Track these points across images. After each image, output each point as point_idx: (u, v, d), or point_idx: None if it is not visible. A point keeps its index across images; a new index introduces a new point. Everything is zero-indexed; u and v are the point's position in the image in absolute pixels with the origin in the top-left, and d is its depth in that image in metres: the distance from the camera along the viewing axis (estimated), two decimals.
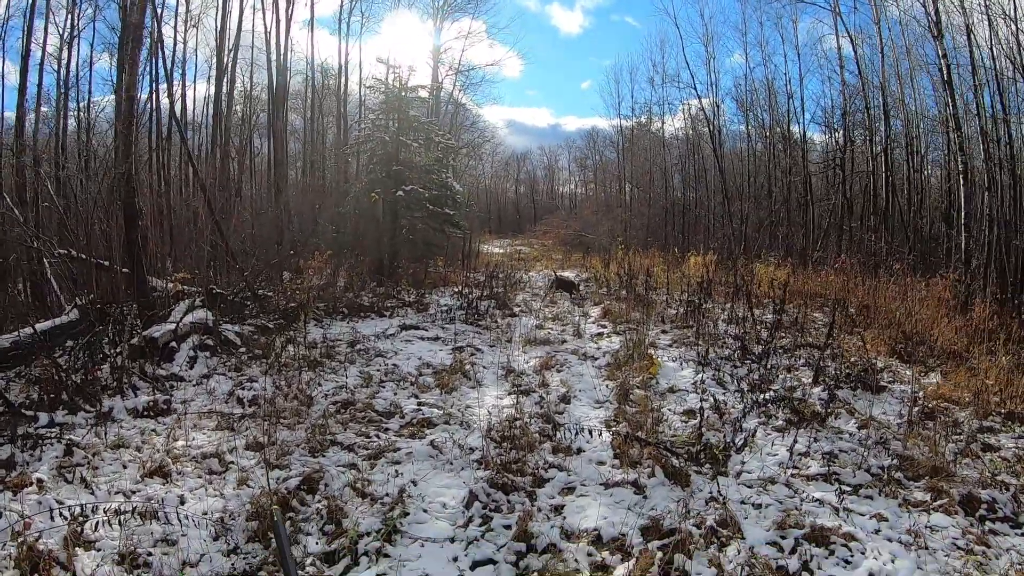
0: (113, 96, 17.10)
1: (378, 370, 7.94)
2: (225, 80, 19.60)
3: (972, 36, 13.39)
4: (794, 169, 23.79)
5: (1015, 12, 11.70)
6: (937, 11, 13.34)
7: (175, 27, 20.32)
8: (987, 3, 12.36)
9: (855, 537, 4.07)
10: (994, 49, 13.35)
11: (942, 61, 13.50)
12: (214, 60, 19.75)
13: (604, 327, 11.12)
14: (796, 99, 24.46)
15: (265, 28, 20.79)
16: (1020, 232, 12.06)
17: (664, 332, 10.53)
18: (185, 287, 10.00)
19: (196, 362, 7.99)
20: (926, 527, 4.24)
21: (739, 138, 28.55)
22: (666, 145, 33.10)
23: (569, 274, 20.97)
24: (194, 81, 25.18)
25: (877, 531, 4.23)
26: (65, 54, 17.80)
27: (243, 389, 7.04)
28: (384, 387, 7.30)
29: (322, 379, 7.49)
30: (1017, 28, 11.64)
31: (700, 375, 7.79)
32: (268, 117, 21.29)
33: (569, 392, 7.22)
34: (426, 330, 10.36)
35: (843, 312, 10.68)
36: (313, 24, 23.48)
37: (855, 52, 19.11)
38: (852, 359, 8.23)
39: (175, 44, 20.05)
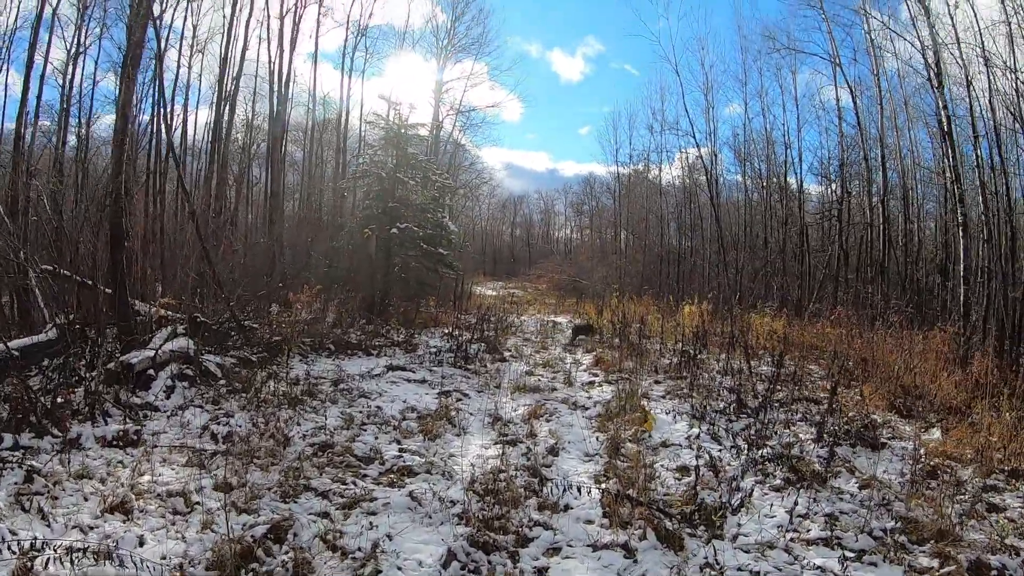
0: (114, 115, 17.06)
1: (360, 411, 7.65)
2: (225, 108, 19.58)
3: (971, 87, 13.43)
4: (790, 219, 23.83)
5: (1014, 63, 11.71)
6: (938, 62, 13.39)
7: (180, 51, 20.48)
8: (986, 55, 12.40)
9: None
10: (993, 100, 13.42)
11: (942, 113, 13.53)
12: (216, 86, 19.79)
13: (596, 376, 10.86)
14: (793, 149, 24.59)
15: (269, 58, 20.93)
16: (1019, 284, 11.91)
17: (657, 382, 10.27)
18: (169, 313, 9.74)
19: (173, 392, 7.71)
20: None
21: (735, 188, 28.85)
22: (663, 193, 33.29)
23: (562, 319, 20.81)
24: (196, 107, 25.09)
25: None
26: (70, 69, 17.88)
27: (218, 424, 6.74)
28: (366, 430, 7.01)
29: (302, 418, 7.19)
30: (1016, 79, 11.65)
31: (694, 429, 7.51)
32: (267, 147, 21.26)
33: (558, 444, 6.92)
34: (413, 372, 10.09)
35: (841, 366, 10.45)
36: (317, 57, 23.54)
37: (854, 103, 19.26)
38: (850, 414, 7.99)
39: (178, 68, 20.17)
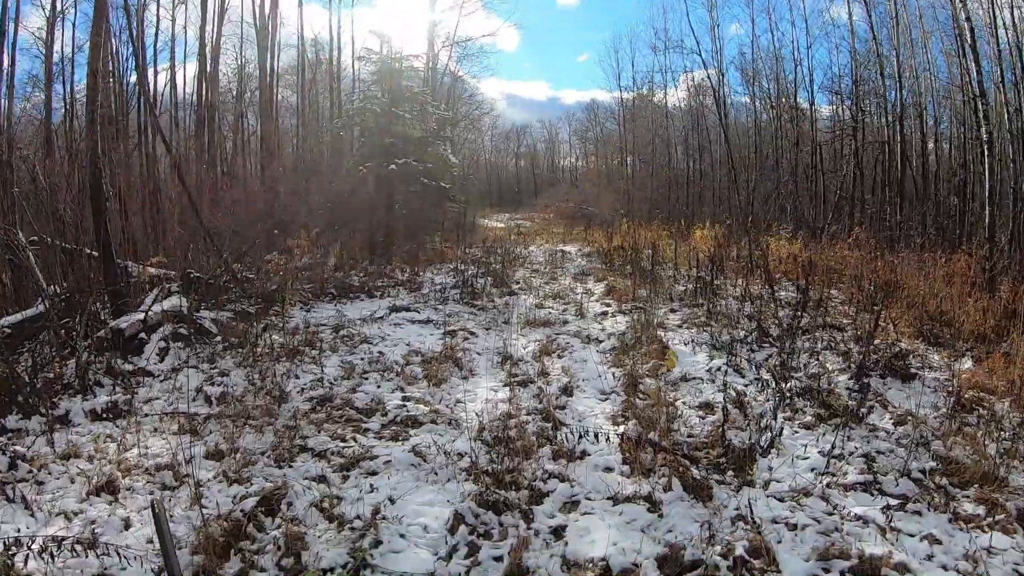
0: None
1: (362, 359, 7.26)
2: (209, 56, 18.75)
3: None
4: (801, 139, 22.97)
5: None
6: None
7: (159, 3, 19.56)
8: None
9: (908, 568, 3.41)
10: (1015, 13, 12.54)
11: (965, 24, 12.61)
12: (199, 35, 18.93)
13: (609, 306, 10.44)
14: (803, 67, 23.40)
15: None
16: None
17: (673, 311, 9.83)
18: (163, 271, 9.34)
19: (167, 354, 7.34)
20: (984, 550, 3.58)
21: (744, 109, 27.68)
22: (669, 116, 32.19)
23: (571, 248, 20.30)
24: (184, 60, 23.97)
25: (930, 557, 3.56)
26: (50, 37, 17.07)
27: (213, 384, 6.39)
28: (367, 379, 6.63)
29: (301, 370, 6.83)
30: None
31: (715, 361, 7.12)
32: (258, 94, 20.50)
33: (571, 382, 6.54)
34: (417, 312, 9.70)
35: (864, 290, 9.97)
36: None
37: (869, 16, 18.07)
38: (876, 342, 7.57)
39: (158, 22, 19.30)
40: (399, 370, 6.87)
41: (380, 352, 7.49)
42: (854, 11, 19.66)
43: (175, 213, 11.02)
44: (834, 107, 22.27)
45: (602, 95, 67.18)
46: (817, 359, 7.12)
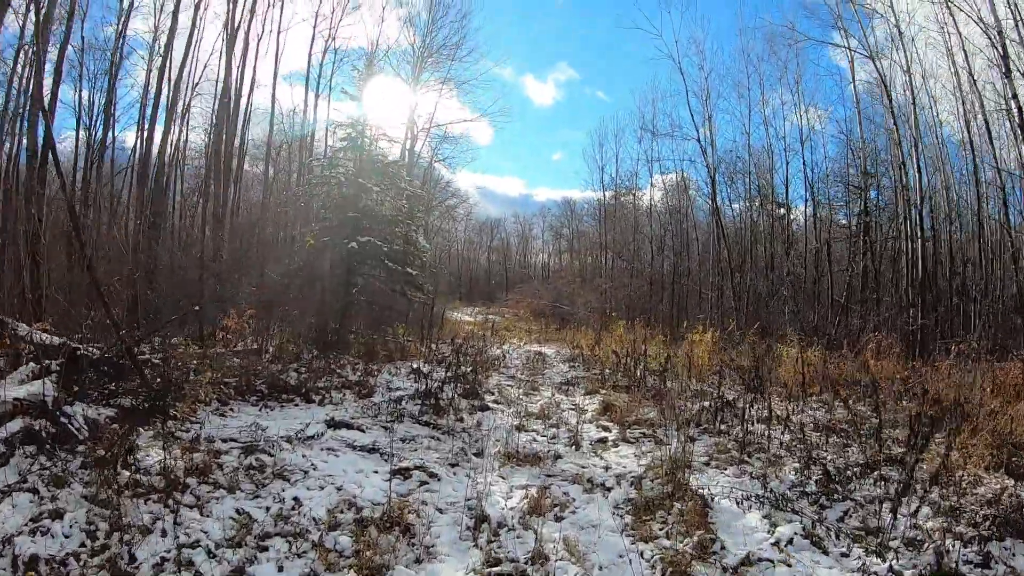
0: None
1: (268, 509, 4.87)
2: (151, 123, 17.00)
3: None
4: (795, 240, 21.66)
5: None
6: (1004, 45, 11.11)
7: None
8: None
9: None
10: None
11: (1012, 103, 11.21)
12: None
13: (607, 430, 8.24)
14: (795, 164, 22.36)
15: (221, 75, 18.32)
16: None
17: (691, 440, 7.63)
18: (53, 340, 7.00)
19: (8, 463, 4.99)
20: None
21: (737, 206, 26.42)
22: (653, 212, 30.94)
23: (549, 351, 18.21)
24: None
25: None
26: None
27: (35, 535, 4.07)
28: (265, 551, 4.26)
29: (174, 520, 4.48)
30: None
31: (781, 528, 4.95)
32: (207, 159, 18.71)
33: (582, 572, 4.28)
34: (362, 430, 7.34)
35: (918, 411, 7.93)
36: (276, 78, 20.95)
37: (888, 98, 16.63)
38: (959, 477, 5.54)
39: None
40: (317, 539, 4.48)
41: (296, 500, 5.05)
42: (861, 94, 18.43)
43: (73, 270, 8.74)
44: (835, 206, 20.95)
45: (576, 194, 67.70)
46: (905, 515, 4.98)
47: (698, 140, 22.56)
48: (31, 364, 6.61)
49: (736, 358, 13.55)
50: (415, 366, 11.61)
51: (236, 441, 6.45)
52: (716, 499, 5.54)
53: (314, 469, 5.84)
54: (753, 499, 5.60)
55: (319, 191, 15.53)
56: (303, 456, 6.15)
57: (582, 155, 65.47)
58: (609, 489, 5.96)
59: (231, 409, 7.97)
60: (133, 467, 5.28)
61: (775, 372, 11.85)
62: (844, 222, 20.90)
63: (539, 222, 66.67)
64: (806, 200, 21.73)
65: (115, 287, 10.10)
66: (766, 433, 7.48)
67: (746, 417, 7.97)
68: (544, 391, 10.97)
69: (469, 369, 11.04)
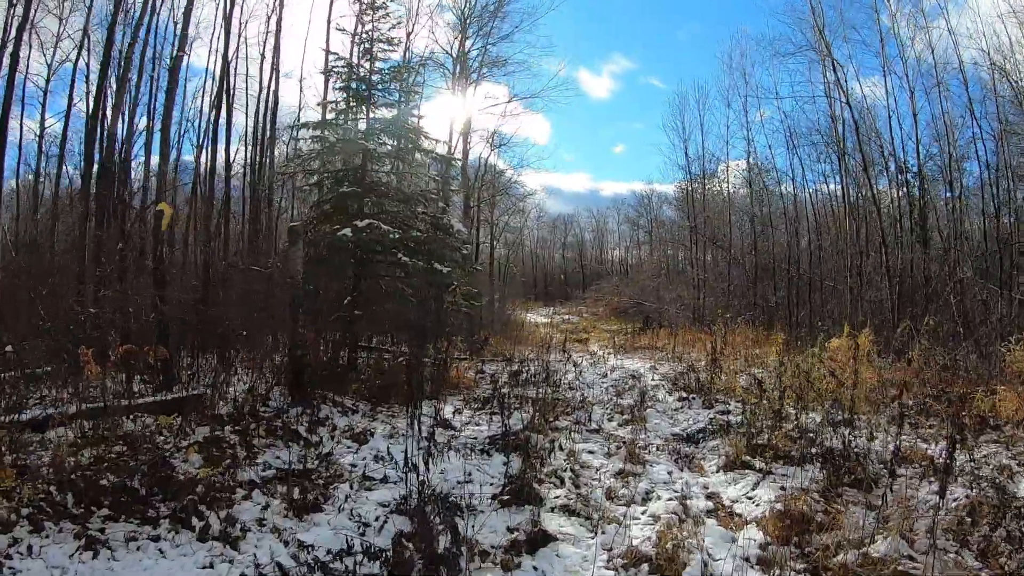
0: None
1: None
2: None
3: None
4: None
5: None
6: None
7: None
8: None
9: None
10: None
11: None
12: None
13: None
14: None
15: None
16: None
17: None
18: None
19: None
20: None
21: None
22: (753, 185, 25.41)
23: (640, 364, 13.58)
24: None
25: None
26: None
27: None
28: None
29: None
30: None
31: None
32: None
33: None
34: None
35: None
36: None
37: None
38: None
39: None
40: None
41: None
42: None
43: None
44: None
45: (640, 186, 63.49)
46: None
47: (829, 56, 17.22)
48: None
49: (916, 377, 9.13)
50: (444, 413, 7.31)
51: None
52: None
53: None
54: None
55: (313, 164, 11.19)
56: None
57: (662, 126, 57.57)
58: None
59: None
60: None
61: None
62: None
63: (613, 215, 62.05)
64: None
65: None
66: None
67: None
68: (654, 466, 6.15)
69: (522, 425, 6.57)
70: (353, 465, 5.65)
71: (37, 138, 16.43)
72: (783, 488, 5.28)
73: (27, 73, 14.83)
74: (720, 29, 56.89)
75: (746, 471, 5.89)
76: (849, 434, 6.27)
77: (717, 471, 6.01)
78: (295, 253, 7.96)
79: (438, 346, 10.02)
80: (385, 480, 5.24)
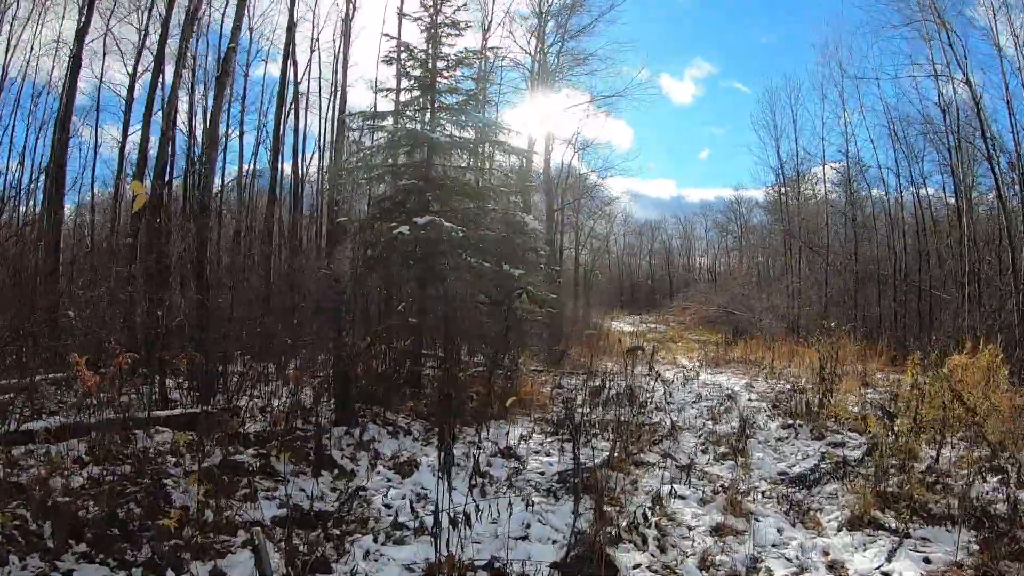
0: None
1: None
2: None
3: None
4: None
5: None
6: None
7: None
8: None
9: None
10: None
11: None
12: None
13: None
14: None
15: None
16: None
17: None
18: None
19: None
20: None
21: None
22: (851, 182, 23.25)
23: (736, 381, 12.19)
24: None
25: None
26: None
27: None
28: None
29: None
30: None
31: None
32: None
33: None
34: None
35: None
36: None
37: None
38: None
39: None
40: None
41: None
42: None
43: None
44: None
45: (728, 192, 61.25)
46: None
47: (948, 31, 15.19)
48: None
49: None
50: (510, 438, 6.29)
51: None
52: None
53: None
54: None
55: (375, 160, 10.32)
56: None
57: (751, 124, 54.31)
58: None
59: None
60: None
61: None
62: None
63: (700, 221, 59.61)
64: None
65: None
66: None
67: None
68: (760, 520, 4.80)
69: (600, 459, 5.45)
70: (387, 506, 4.67)
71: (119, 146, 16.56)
72: (927, 560, 4.02)
73: (101, 81, 15.50)
74: (809, 34, 53.75)
75: (877, 532, 4.60)
76: (999, 481, 4.90)
77: (839, 529, 4.70)
78: (341, 252, 7.07)
79: (509, 358, 8.98)
80: (421, 530, 4.20)
